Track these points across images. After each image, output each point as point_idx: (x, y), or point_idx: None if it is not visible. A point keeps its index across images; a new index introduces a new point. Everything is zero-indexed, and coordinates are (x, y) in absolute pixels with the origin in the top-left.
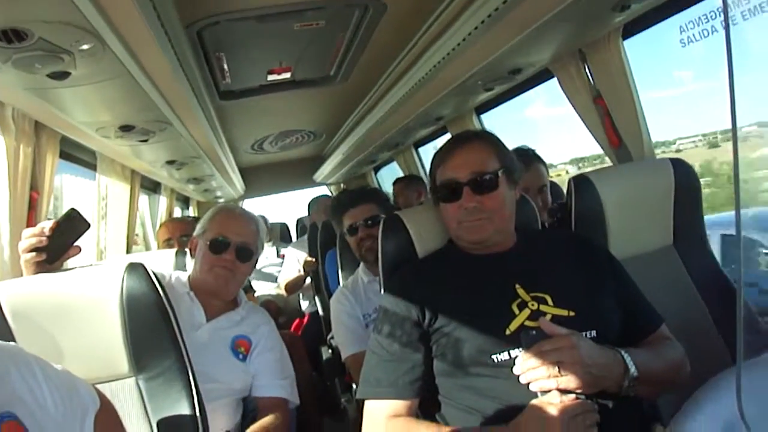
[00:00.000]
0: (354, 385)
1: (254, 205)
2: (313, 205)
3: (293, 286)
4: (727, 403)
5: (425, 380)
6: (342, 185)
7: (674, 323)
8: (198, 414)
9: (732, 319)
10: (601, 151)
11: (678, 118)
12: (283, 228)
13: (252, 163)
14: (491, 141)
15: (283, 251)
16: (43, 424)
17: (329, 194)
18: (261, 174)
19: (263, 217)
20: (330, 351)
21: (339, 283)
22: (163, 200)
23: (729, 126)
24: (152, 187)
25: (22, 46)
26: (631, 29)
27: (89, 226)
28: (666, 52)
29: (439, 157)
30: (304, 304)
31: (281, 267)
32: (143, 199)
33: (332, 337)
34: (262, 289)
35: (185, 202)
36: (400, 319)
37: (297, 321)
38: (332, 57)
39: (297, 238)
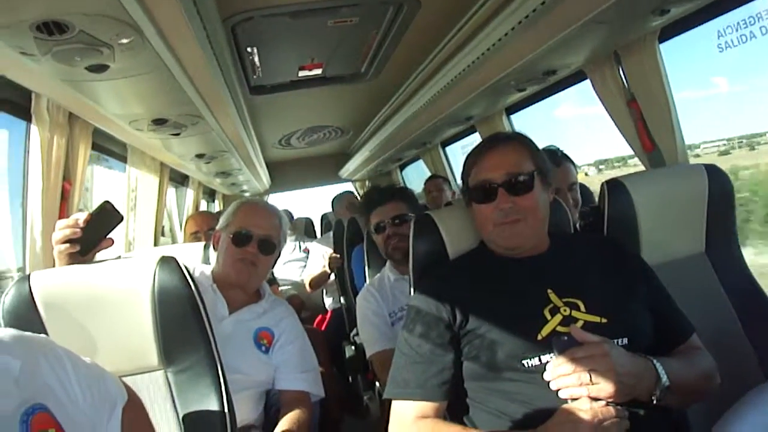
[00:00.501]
0: (377, 383)
1: (279, 200)
2: (336, 201)
3: (317, 282)
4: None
5: (454, 383)
6: (367, 182)
7: (705, 332)
8: (226, 409)
9: (764, 330)
10: (623, 154)
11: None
12: (308, 223)
13: (278, 158)
14: (525, 142)
15: (307, 245)
16: (73, 416)
17: (353, 191)
18: (287, 169)
19: (288, 212)
20: (353, 348)
21: (365, 280)
22: (190, 193)
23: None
24: (180, 180)
25: (62, 39)
26: (668, 33)
27: (122, 218)
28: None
29: (473, 158)
30: (328, 301)
31: (304, 261)
32: (170, 192)
33: (356, 334)
34: (284, 282)
35: (211, 195)
36: (431, 321)
37: (320, 317)
38: (364, 54)
39: (322, 233)
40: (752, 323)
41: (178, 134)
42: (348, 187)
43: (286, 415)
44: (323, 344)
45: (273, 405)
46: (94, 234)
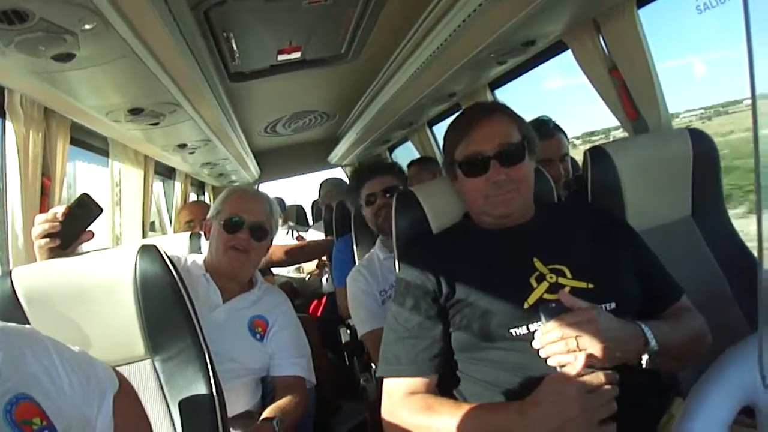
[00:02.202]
0: (373, 365)
1: (270, 189)
2: (323, 187)
3: (321, 251)
4: (748, 370)
5: (444, 356)
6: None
7: (693, 296)
8: (215, 394)
9: (752, 291)
10: (608, 125)
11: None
12: (299, 210)
13: (266, 147)
14: (510, 112)
15: (300, 234)
16: (60, 406)
17: (338, 177)
18: (275, 157)
19: (280, 200)
20: (348, 332)
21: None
22: (177, 186)
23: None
24: (167, 173)
25: (23, 28)
26: None
27: (102, 211)
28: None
29: (460, 130)
30: (325, 285)
31: None
32: (158, 186)
33: (350, 317)
34: (278, 271)
35: (201, 187)
36: (417, 294)
37: (315, 302)
38: (342, 34)
39: (313, 220)
40: (740, 284)
41: (156, 124)
42: (338, 172)
43: (279, 399)
44: (316, 331)
45: (270, 392)
46: (74, 227)
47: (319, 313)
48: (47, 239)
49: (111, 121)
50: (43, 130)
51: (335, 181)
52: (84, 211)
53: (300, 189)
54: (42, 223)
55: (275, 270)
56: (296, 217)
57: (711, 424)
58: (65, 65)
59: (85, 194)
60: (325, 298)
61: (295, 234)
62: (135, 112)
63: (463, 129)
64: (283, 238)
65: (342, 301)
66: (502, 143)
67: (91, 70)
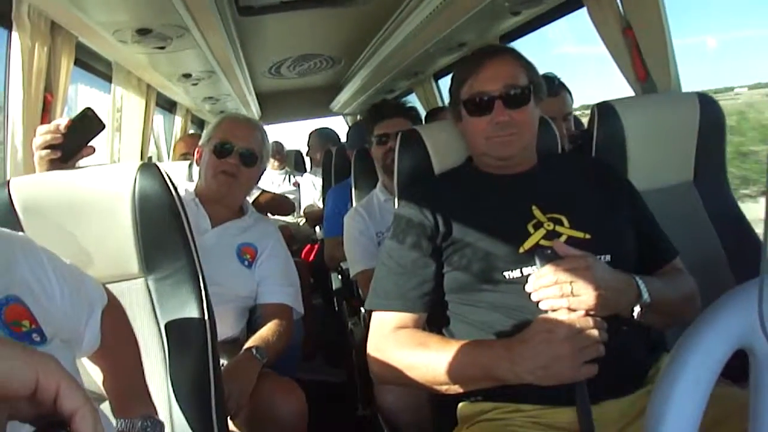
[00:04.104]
0: (362, 309)
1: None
2: (311, 138)
3: (313, 219)
4: (745, 313)
5: (434, 296)
6: (358, 117)
7: (688, 259)
8: (206, 317)
9: (747, 260)
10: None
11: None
12: (297, 155)
13: (269, 89)
14: (519, 55)
15: (297, 179)
16: (49, 312)
17: (328, 127)
18: (278, 100)
19: (279, 143)
20: (340, 278)
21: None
22: (178, 120)
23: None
24: (168, 106)
25: None
26: None
27: (104, 126)
28: None
29: (467, 69)
30: (319, 232)
31: (295, 195)
32: (158, 119)
33: (343, 260)
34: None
35: (200, 125)
36: (414, 232)
37: (308, 246)
38: None
39: (303, 170)
40: (735, 253)
41: (163, 48)
42: (339, 121)
43: (265, 325)
44: (308, 276)
45: (257, 321)
46: (76, 140)
47: (311, 258)
48: (48, 150)
49: (117, 41)
50: (49, 45)
51: (323, 131)
52: (87, 124)
53: (300, 137)
54: (44, 134)
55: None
56: (294, 162)
57: (703, 364)
58: None
59: (88, 108)
60: (318, 244)
61: (292, 179)
62: (142, 32)
63: (470, 68)
64: (280, 184)
65: (329, 251)
66: (508, 84)
67: None
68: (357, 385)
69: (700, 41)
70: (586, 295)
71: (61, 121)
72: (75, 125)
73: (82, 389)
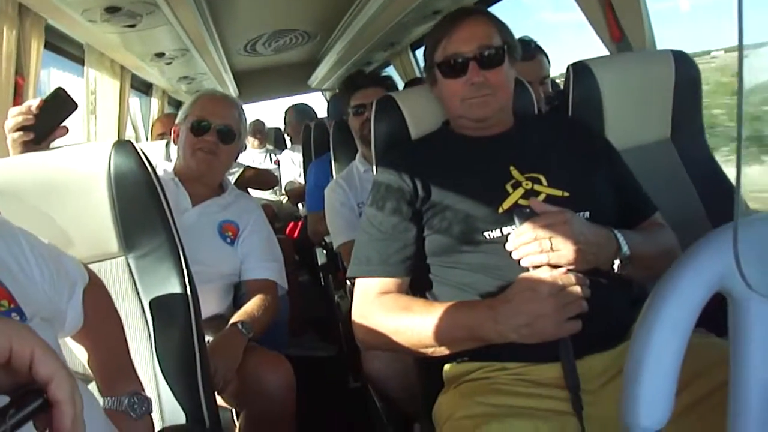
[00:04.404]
0: (348, 282)
1: (250, 112)
2: (287, 114)
3: (296, 196)
4: (721, 257)
5: (416, 260)
6: (337, 91)
7: (668, 216)
8: (189, 292)
9: (725, 213)
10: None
11: None
12: (277, 133)
13: (245, 67)
14: (492, 16)
15: (278, 157)
16: (28, 292)
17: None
18: (255, 78)
19: (260, 122)
20: (325, 252)
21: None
22: (155, 102)
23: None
24: (144, 88)
25: None
26: None
27: (77, 106)
28: None
29: (440, 32)
30: (302, 208)
31: (276, 173)
32: (135, 102)
33: (327, 234)
34: (257, 194)
35: (177, 106)
36: (393, 197)
37: (291, 224)
38: None
39: (281, 146)
40: (715, 207)
41: (133, 26)
42: (318, 96)
43: (249, 301)
44: (293, 253)
45: (242, 297)
46: (48, 121)
47: (295, 235)
48: (20, 132)
49: (87, 20)
50: (17, 28)
51: (300, 107)
52: (59, 105)
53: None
54: (16, 116)
55: (255, 193)
56: (275, 140)
57: (681, 308)
58: None
59: (60, 88)
60: (302, 221)
61: (273, 158)
62: (111, 10)
63: (444, 30)
64: (261, 162)
65: (313, 225)
66: (482, 45)
67: None
68: (347, 357)
69: (674, 4)
70: (565, 249)
71: (33, 102)
72: (47, 106)
73: (57, 356)
